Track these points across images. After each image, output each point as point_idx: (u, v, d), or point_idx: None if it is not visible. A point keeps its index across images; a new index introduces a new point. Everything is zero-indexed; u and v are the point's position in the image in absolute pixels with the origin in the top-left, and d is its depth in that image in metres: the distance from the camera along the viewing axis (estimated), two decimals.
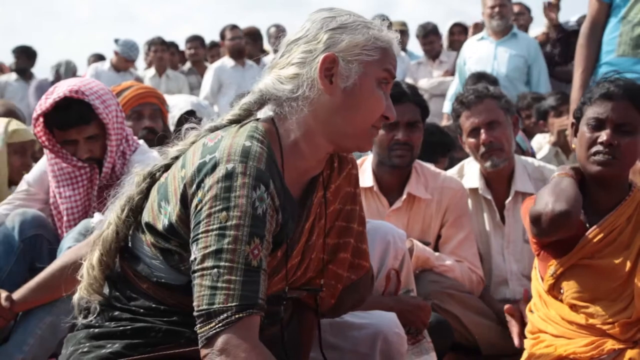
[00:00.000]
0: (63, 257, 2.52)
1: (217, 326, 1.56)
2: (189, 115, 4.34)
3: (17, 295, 2.50)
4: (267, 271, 1.63)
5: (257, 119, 1.78)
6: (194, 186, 1.63)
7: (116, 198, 1.84)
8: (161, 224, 1.71)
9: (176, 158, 1.79)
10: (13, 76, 8.48)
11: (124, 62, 7.66)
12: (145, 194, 1.80)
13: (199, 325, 1.58)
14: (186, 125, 1.83)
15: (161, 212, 1.71)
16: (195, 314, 1.59)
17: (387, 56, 1.76)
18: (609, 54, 3.70)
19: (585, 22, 3.84)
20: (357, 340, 2.18)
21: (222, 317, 1.56)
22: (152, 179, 1.81)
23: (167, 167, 1.80)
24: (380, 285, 2.57)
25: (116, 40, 7.70)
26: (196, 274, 1.60)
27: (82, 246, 2.51)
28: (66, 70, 8.06)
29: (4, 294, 2.49)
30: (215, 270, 1.57)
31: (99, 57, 9.06)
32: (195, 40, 8.53)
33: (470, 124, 3.19)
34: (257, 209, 1.60)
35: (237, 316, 1.56)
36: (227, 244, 1.57)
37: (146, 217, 1.76)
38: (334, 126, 1.74)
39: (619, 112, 2.30)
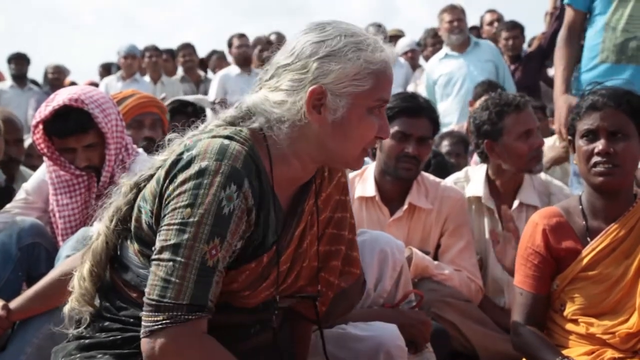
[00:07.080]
0: (61, 266, 2.51)
1: (164, 321, 1.59)
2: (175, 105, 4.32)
3: (14, 304, 2.49)
4: (222, 272, 1.65)
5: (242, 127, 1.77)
6: (167, 180, 1.66)
7: (104, 208, 1.85)
8: (146, 224, 1.73)
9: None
10: (8, 83, 8.44)
11: (129, 64, 7.80)
12: (132, 204, 1.80)
13: (145, 313, 1.61)
14: (169, 136, 1.83)
15: (142, 212, 1.73)
16: (144, 299, 1.62)
17: (380, 81, 1.71)
18: (592, 60, 3.73)
19: (562, 29, 3.91)
20: (359, 352, 2.18)
21: (170, 313, 1.59)
22: (138, 189, 1.81)
23: (152, 177, 1.79)
24: (379, 297, 2.56)
25: (119, 52, 7.99)
26: (153, 262, 1.63)
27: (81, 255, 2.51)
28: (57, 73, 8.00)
29: (1, 302, 2.48)
30: (171, 263, 1.60)
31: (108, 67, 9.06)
32: (188, 48, 8.54)
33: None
34: (223, 208, 1.62)
35: (185, 317, 1.59)
36: (185, 240, 1.60)
37: (134, 224, 1.77)
38: (323, 150, 1.74)
39: (608, 120, 2.32)
